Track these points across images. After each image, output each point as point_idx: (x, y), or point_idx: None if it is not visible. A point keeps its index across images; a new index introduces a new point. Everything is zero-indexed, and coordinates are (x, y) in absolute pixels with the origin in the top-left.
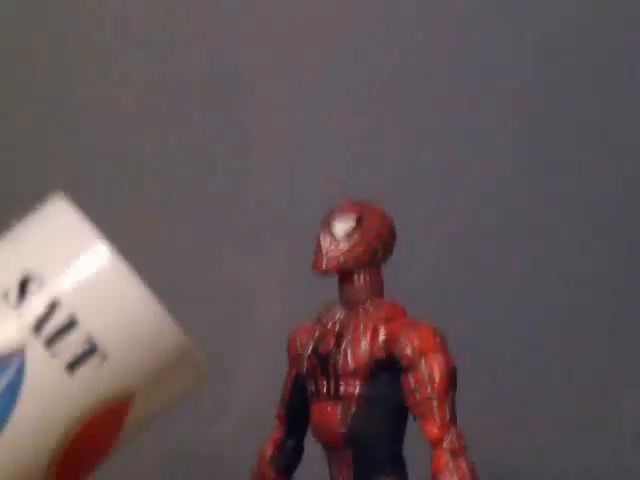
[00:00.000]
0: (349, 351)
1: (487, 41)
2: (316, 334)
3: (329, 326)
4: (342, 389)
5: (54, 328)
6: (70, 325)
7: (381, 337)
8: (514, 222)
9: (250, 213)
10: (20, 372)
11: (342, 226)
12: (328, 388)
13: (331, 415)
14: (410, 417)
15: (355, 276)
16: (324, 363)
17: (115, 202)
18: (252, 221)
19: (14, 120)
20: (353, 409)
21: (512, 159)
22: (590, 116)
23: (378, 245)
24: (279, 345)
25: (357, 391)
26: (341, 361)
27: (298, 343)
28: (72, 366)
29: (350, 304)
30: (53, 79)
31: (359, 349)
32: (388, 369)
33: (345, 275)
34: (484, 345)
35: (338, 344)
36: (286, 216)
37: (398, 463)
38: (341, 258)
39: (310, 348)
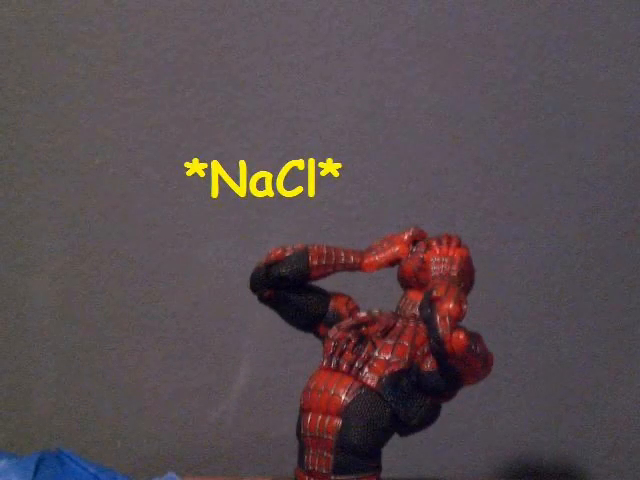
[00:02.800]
0: (391, 342)
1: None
2: (364, 314)
3: (377, 317)
4: (366, 371)
5: None
6: None
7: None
8: None
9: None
10: None
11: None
12: (350, 363)
13: (340, 383)
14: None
15: (419, 297)
16: (360, 341)
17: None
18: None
19: None
20: (363, 391)
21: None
22: None
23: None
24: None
25: (376, 381)
26: (379, 349)
27: (346, 309)
28: None
29: (405, 313)
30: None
31: (401, 346)
32: (408, 378)
33: (416, 290)
34: None
35: (384, 334)
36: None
37: (377, 459)
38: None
39: (351, 321)
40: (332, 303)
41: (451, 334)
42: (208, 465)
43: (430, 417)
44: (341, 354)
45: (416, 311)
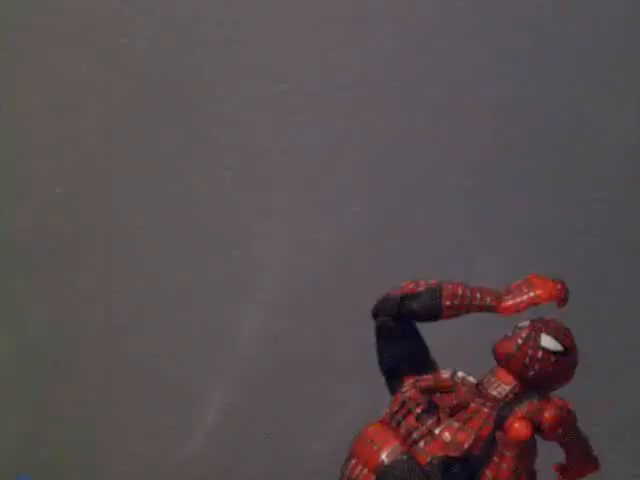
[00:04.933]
0: (456, 425)
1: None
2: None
3: (457, 386)
4: (421, 445)
5: None
6: None
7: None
8: None
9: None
10: None
11: (551, 342)
12: (409, 430)
13: (386, 442)
14: None
15: (506, 380)
16: (429, 410)
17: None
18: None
19: None
20: (405, 458)
21: None
22: None
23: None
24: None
25: (427, 461)
26: (443, 427)
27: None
28: None
29: (485, 391)
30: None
31: (464, 433)
32: (459, 467)
33: (505, 372)
34: None
35: (453, 412)
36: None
37: None
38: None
39: (430, 382)
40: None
41: (513, 422)
42: None
43: None
44: (405, 416)
45: (497, 394)
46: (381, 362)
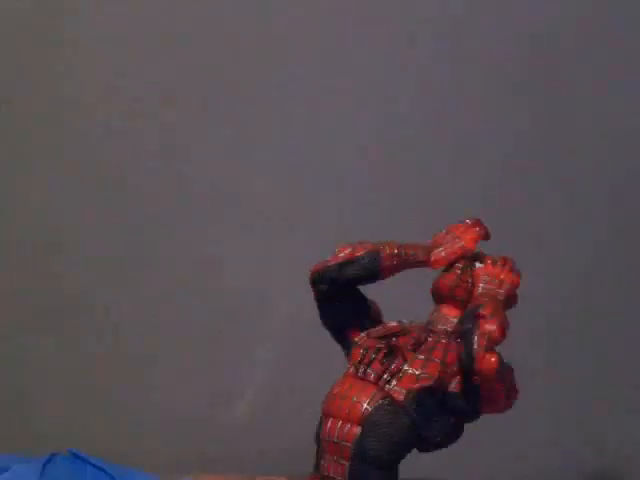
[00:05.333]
0: (423, 358)
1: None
2: (395, 324)
3: (409, 328)
4: (393, 383)
5: None
6: None
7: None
8: None
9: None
10: None
11: None
12: (378, 373)
13: (363, 392)
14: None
15: (451, 313)
16: (390, 352)
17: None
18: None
19: None
20: (386, 402)
21: None
22: None
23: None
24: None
25: (404, 395)
26: (410, 363)
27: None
28: None
29: (436, 328)
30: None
31: (432, 363)
32: (435, 396)
33: (449, 306)
34: None
35: (415, 348)
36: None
37: (393, 473)
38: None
39: (382, 330)
40: (373, 308)
41: (485, 353)
42: (223, 464)
43: (452, 436)
44: (369, 363)
45: (448, 326)
46: (324, 323)
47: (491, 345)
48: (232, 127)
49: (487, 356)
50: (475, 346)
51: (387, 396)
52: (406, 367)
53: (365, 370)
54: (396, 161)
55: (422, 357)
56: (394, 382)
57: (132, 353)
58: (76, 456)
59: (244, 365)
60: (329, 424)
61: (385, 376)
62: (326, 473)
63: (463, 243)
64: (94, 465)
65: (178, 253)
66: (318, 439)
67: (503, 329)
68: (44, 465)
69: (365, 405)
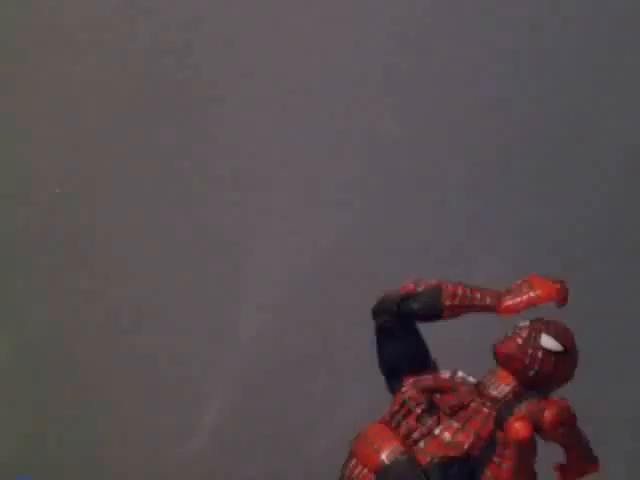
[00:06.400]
0: (456, 425)
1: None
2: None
3: (457, 386)
4: (421, 444)
5: None
6: None
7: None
8: None
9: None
10: None
11: (551, 342)
12: (410, 429)
13: (386, 442)
14: None
15: (506, 380)
16: (429, 410)
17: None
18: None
19: None
20: (404, 459)
21: None
22: None
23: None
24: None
25: (427, 460)
26: (443, 427)
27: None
28: None
29: (486, 391)
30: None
31: (464, 433)
32: (460, 468)
33: (505, 371)
34: None
35: (453, 412)
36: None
37: None
38: (527, 361)
39: (430, 383)
40: (431, 358)
41: (515, 421)
42: None
43: None
44: (405, 416)
45: (498, 393)
46: (381, 362)
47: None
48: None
49: (517, 424)
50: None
51: (408, 454)
52: (437, 431)
53: (399, 422)
54: (397, 161)
55: (457, 425)
56: (422, 443)
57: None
58: None
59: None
60: (351, 464)
61: (415, 435)
62: None
63: (539, 293)
64: None
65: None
66: (342, 476)
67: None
68: None
69: (383, 456)
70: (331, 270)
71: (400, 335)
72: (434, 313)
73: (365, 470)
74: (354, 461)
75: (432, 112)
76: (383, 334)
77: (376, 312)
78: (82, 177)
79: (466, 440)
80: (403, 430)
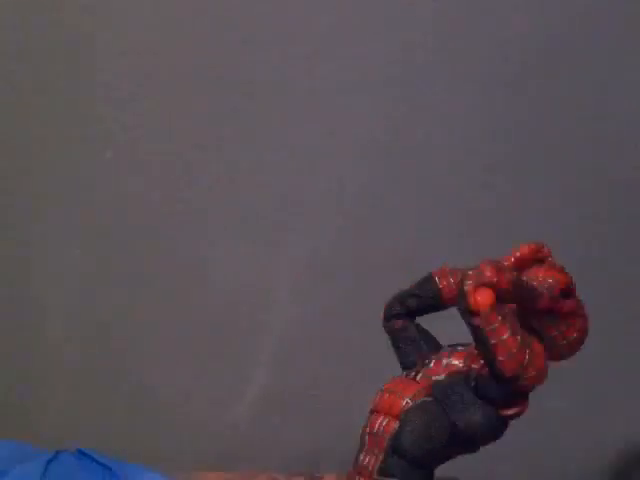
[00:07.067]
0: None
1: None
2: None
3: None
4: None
5: None
6: None
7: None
8: None
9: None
10: None
11: None
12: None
13: (408, 388)
14: None
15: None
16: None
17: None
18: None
19: None
20: (429, 400)
21: None
22: None
23: None
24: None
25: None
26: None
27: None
28: None
29: None
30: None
31: (460, 353)
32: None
33: None
34: None
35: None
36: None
37: (428, 473)
38: None
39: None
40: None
41: (476, 287)
42: (224, 461)
43: (492, 429)
44: (423, 366)
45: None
46: (401, 362)
47: (482, 280)
48: (231, 127)
49: (480, 290)
50: (466, 287)
51: (430, 395)
52: (446, 361)
53: (417, 374)
54: (396, 161)
55: (462, 348)
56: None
57: (133, 353)
58: (82, 454)
59: (244, 366)
60: (372, 418)
61: (434, 378)
62: (362, 464)
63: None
64: (101, 463)
65: (175, 256)
66: (362, 435)
67: (496, 270)
68: (48, 463)
69: (407, 400)
70: (331, 270)
71: (411, 335)
72: (435, 297)
73: (388, 419)
74: (375, 415)
75: (432, 111)
76: (394, 336)
77: (384, 316)
78: (82, 176)
79: (463, 356)
80: (421, 377)
